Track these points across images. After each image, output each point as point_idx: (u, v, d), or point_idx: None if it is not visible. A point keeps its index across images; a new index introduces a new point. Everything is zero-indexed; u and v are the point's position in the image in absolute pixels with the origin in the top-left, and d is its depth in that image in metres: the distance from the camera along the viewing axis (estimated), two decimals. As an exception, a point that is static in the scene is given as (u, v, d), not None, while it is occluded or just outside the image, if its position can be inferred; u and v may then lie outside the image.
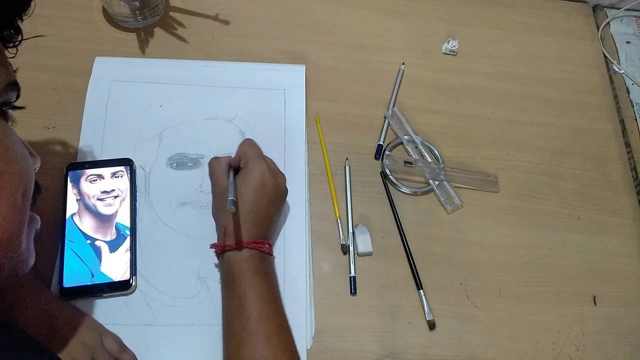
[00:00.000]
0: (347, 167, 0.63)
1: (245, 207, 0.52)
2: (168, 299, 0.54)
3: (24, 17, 0.36)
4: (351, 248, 0.60)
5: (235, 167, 0.56)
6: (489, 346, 0.57)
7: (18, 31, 0.37)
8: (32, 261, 0.39)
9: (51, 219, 0.56)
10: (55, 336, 0.48)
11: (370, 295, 0.58)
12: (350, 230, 0.61)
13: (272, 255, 0.54)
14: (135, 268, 0.55)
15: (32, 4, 0.36)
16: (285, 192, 0.57)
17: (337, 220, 0.61)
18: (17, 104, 0.39)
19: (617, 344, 0.59)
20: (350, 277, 0.58)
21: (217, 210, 0.54)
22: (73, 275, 0.53)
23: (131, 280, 0.54)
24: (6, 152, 0.35)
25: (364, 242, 0.60)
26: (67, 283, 0.52)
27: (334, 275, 0.59)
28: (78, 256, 0.54)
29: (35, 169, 0.40)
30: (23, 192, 0.36)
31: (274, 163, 0.56)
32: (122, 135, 0.62)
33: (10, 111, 0.38)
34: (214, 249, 0.53)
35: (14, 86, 0.38)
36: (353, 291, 0.58)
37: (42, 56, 0.66)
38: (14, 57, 0.38)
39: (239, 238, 0.51)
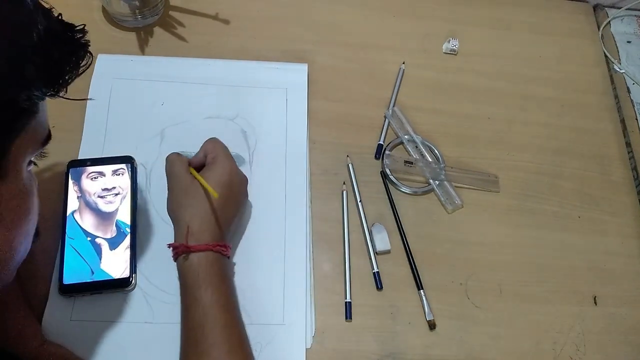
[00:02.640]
0: (350, 166, 0.62)
1: (211, 204, 0.51)
2: (167, 296, 0.54)
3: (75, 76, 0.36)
4: (369, 246, 0.60)
5: (196, 166, 0.54)
6: (490, 346, 0.57)
7: (65, 87, 0.36)
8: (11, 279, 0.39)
9: (52, 216, 0.56)
10: None
11: (370, 295, 0.58)
12: (367, 229, 0.61)
13: (226, 255, 0.52)
14: (135, 266, 0.55)
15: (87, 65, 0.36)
16: (246, 193, 0.57)
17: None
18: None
19: (618, 344, 0.59)
20: (375, 272, 0.58)
21: (176, 206, 0.52)
22: (73, 272, 0.53)
23: (131, 278, 0.54)
24: (29, 216, 0.37)
25: (382, 240, 0.60)
26: (67, 280, 0.52)
27: (334, 275, 0.59)
28: (78, 253, 0.54)
29: None
30: (31, 231, 0.39)
31: (235, 161, 0.56)
32: (123, 133, 0.62)
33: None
34: (171, 249, 0.50)
35: (49, 138, 0.38)
36: (379, 286, 0.57)
37: (42, 55, 0.66)
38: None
39: (205, 238, 0.49)
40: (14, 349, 0.47)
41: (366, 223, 0.61)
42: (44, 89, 0.33)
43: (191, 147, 0.62)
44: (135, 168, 0.59)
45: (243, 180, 0.55)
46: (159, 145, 0.62)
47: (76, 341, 0.51)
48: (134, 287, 0.54)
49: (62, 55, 0.34)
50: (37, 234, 0.40)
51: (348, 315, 0.56)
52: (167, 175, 0.54)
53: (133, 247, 0.55)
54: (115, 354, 0.52)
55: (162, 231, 0.57)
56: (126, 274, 0.54)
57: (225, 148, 0.55)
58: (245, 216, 0.59)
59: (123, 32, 0.70)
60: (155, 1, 0.68)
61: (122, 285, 0.53)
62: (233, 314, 0.49)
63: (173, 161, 0.54)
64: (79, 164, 0.58)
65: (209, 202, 0.51)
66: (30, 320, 0.50)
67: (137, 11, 0.68)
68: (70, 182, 0.57)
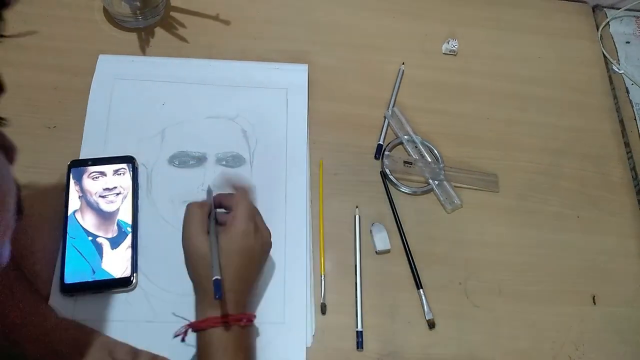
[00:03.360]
0: (357, 217, 0.62)
1: (229, 274, 0.47)
2: (169, 296, 0.55)
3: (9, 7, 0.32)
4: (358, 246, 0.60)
5: (221, 221, 0.51)
6: (489, 345, 0.58)
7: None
8: (4, 259, 0.35)
9: (53, 216, 0.56)
10: (57, 356, 0.48)
11: (370, 294, 0.58)
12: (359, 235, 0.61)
13: (251, 325, 0.50)
14: (137, 265, 0.55)
15: None
16: (269, 249, 0.53)
17: (321, 276, 0.58)
18: (16, 115, 0.36)
19: (616, 344, 0.59)
20: (357, 331, 0.56)
21: (195, 274, 0.49)
22: (74, 272, 0.53)
23: (132, 277, 0.54)
24: None
25: (382, 240, 0.60)
26: (68, 279, 0.53)
27: (334, 274, 0.59)
28: (79, 253, 0.54)
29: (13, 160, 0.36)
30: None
31: (261, 216, 0.53)
32: (124, 133, 0.62)
33: None
34: (189, 329, 0.48)
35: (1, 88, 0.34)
36: (359, 346, 0.55)
37: (43, 56, 0.66)
38: None
39: (224, 311, 0.47)
40: (29, 329, 0.48)
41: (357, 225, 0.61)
42: None
43: (192, 147, 0.62)
44: (136, 168, 0.60)
45: (264, 242, 0.52)
46: (159, 145, 0.62)
47: (78, 340, 0.51)
48: (135, 287, 0.54)
49: None
50: (19, 210, 0.36)
51: (359, 345, 0.55)
52: (182, 228, 0.51)
53: (134, 246, 0.55)
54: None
55: (163, 231, 0.57)
56: (127, 273, 0.54)
57: (249, 205, 0.51)
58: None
59: (124, 32, 0.70)
60: (156, 2, 0.68)
61: (123, 284, 0.54)
62: None
63: (191, 217, 0.50)
64: (80, 164, 0.58)
65: (227, 271, 0.47)
66: (40, 301, 0.51)
67: (138, 12, 0.68)
68: (72, 181, 0.57)
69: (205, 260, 0.48)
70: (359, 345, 0.55)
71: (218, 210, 0.53)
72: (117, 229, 0.56)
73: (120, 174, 0.58)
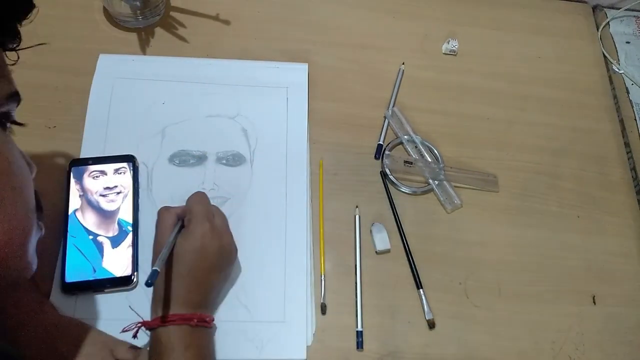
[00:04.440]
0: (357, 217, 0.62)
1: (180, 270, 0.48)
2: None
3: (23, 23, 0.34)
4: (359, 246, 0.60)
5: (182, 220, 0.52)
6: (489, 345, 0.58)
7: (18, 36, 0.34)
8: (35, 267, 0.38)
9: (54, 215, 0.56)
10: (58, 354, 0.48)
11: (370, 294, 0.58)
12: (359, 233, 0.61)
13: (206, 326, 0.49)
14: (137, 264, 0.55)
15: (35, 10, 0.34)
16: (232, 253, 0.53)
17: (321, 276, 0.58)
18: (17, 116, 0.37)
19: (616, 344, 0.59)
20: (357, 331, 0.56)
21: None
22: (75, 271, 0.53)
23: (133, 276, 0.54)
24: (8, 166, 0.34)
25: (381, 240, 0.60)
26: (69, 278, 0.53)
27: (335, 274, 0.59)
28: (80, 252, 0.54)
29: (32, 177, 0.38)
30: (24, 204, 0.35)
31: (224, 219, 0.53)
32: (124, 132, 0.62)
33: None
34: (141, 327, 0.48)
35: (15, 97, 0.36)
36: (359, 346, 0.55)
37: (43, 56, 0.66)
38: (14, 63, 0.36)
39: (167, 310, 0.47)
40: (30, 328, 0.48)
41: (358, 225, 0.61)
42: None
43: (192, 146, 0.62)
44: (137, 167, 0.60)
45: (223, 245, 0.51)
46: (160, 144, 0.62)
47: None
48: (136, 285, 0.54)
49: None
50: (40, 208, 0.37)
51: (359, 345, 0.55)
52: (156, 231, 0.51)
53: (135, 245, 0.55)
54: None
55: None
56: (128, 272, 0.54)
57: (202, 206, 0.52)
58: (246, 215, 0.59)
59: (124, 32, 0.70)
60: (156, 2, 0.68)
61: (124, 283, 0.54)
62: None
63: (159, 217, 0.52)
64: (81, 163, 0.58)
65: (179, 267, 0.48)
66: (42, 299, 0.51)
67: (138, 12, 0.68)
68: (72, 180, 0.57)
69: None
70: (359, 345, 0.55)
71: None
72: (118, 227, 0.56)
73: (120, 173, 0.58)
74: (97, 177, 0.58)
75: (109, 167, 0.58)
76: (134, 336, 0.49)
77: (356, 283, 0.58)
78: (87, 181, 0.57)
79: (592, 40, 0.80)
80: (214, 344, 0.51)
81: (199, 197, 0.53)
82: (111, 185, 0.58)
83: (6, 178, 0.33)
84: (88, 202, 0.56)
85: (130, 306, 0.53)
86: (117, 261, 0.54)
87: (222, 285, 0.54)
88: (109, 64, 0.66)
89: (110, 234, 0.55)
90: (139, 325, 0.48)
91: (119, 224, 0.56)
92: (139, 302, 0.54)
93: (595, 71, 0.78)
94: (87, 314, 0.53)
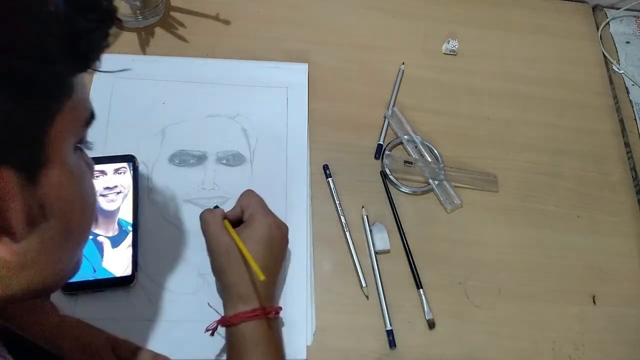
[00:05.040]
0: (364, 216, 0.62)
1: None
2: (169, 294, 0.55)
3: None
4: (370, 246, 0.60)
5: (232, 220, 0.53)
6: (489, 345, 0.58)
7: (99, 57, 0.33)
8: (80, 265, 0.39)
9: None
10: (60, 353, 0.48)
11: (370, 294, 0.58)
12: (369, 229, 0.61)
13: (278, 317, 0.51)
14: (137, 264, 0.55)
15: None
16: (287, 243, 0.55)
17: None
18: None
19: (616, 344, 0.59)
20: (387, 330, 0.56)
21: (220, 272, 0.51)
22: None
23: (133, 276, 0.54)
24: (84, 203, 0.34)
25: (381, 240, 0.60)
26: (68, 279, 0.53)
27: (335, 274, 0.59)
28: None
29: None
30: (90, 228, 0.37)
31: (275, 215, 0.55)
32: (125, 132, 0.62)
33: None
34: (219, 325, 0.49)
35: (93, 117, 0.34)
36: (393, 344, 0.56)
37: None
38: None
39: (253, 303, 0.48)
40: (32, 327, 0.48)
41: (368, 224, 0.61)
42: (72, 64, 0.29)
43: (192, 146, 0.62)
44: (137, 167, 0.60)
45: (284, 234, 0.53)
46: (160, 144, 0.62)
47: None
48: (136, 285, 0.54)
49: (88, 25, 0.29)
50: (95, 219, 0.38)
51: (392, 343, 0.55)
52: (204, 236, 0.53)
53: (135, 245, 0.55)
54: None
55: (164, 229, 0.58)
56: (128, 272, 0.54)
57: (262, 202, 0.54)
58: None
59: (124, 32, 0.70)
60: (156, 2, 0.68)
61: (124, 283, 0.54)
62: None
63: (207, 220, 0.52)
64: (81, 163, 0.58)
65: (260, 261, 0.48)
66: (43, 298, 0.51)
67: (138, 12, 0.68)
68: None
69: (229, 254, 0.49)
70: (392, 344, 0.55)
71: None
72: (118, 227, 0.56)
73: (120, 172, 0.58)
74: (97, 177, 0.58)
75: (109, 167, 0.58)
76: (212, 334, 0.50)
77: (376, 283, 0.58)
78: None
79: (592, 40, 0.80)
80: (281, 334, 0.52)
81: (253, 193, 0.55)
82: (111, 185, 0.57)
83: (82, 215, 0.34)
84: None
85: (209, 303, 0.53)
86: (117, 261, 0.54)
87: (280, 274, 0.55)
88: (109, 64, 0.65)
89: (110, 234, 0.55)
90: (218, 322, 0.49)
91: (119, 223, 0.56)
92: (140, 303, 0.54)
93: (595, 71, 0.77)
94: (88, 314, 0.52)
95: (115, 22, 0.33)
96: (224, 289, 0.51)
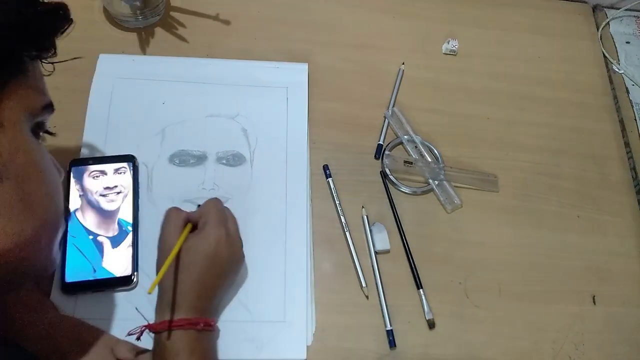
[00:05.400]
0: (364, 216, 0.62)
1: (191, 275, 0.48)
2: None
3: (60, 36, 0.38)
4: (370, 246, 0.60)
5: (194, 222, 0.52)
6: (489, 345, 0.58)
7: (54, 49, 0.38)
8: (57, 261, 0.40)
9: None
10: (59, 353, 0.48)
11: (370, 294, 0.58)
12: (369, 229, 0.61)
13: (210, 330, 0.49)
14: (137, 264, 0.55)
15: (72, 25, 0.38)
16: (240, 260, 0.54)
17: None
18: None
19: (616, 344, 0.59)
20: (387, 330, 0.56)
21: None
22: (75, 271, 0.53)
23: (133, 276, 0.54)
24: (41, 174, 0.37)
25: (381, 240, 0.60)
26: (69, 278, 0.53)
27: (334, 274, 0.59)
28: (80, 251, 0.54)
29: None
30: (54, 207, 0.38)
31: (236, 226, 0.53)
32: (125, 132, 0.62)
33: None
34: (145, 330, 0.48)
35: (49, 108, 0.39)
36: (393, 344, 0.56)
37: (44, 55, 0.66)
38: (49, 74, 0.39)
39: (174, 315, 0.47)
40: (31, 327, 0.48)
41: (368, 224, 0.61)
42: (21, 45, 0.35)
43: (192, 146, 0.62)
44: (137, 167, 0.60)
45: (235, 251, 0.52)
46: (160, 144, 0.62)
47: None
48: (136, 286, 0.54)
49: (37, 16, 0.35)
50: (67, 210, 0.40)
51: (392, 343, 0.55)
52: (161, 233, 0.51)
53: (135, 245, 0.55)
54: (116, 352, 0.52)
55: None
56: (128, 272, 0.54)
57: (218, 212, 0.52)
58: (246, 215, 0.59)
59: (124, 32, 0.70)
60: (156, 2, 0.68)
61: (124, 283, 0.54)
62: None
63: (167, 218, 0.52)
64: (81, 163, 0.58)
65: (189, 272, 0.48)
66: (42, 298, 0.51)
67: (138, 12, 0.68)
68: (72, 180, 0.57)
69: (167, 250, 0.49)
70: (392, 343, 0.55)
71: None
72: (118, 227, 0.56)
73: (120, 172, 0.58)
74: (97, 177, 0.58)
75: (109, 167, 0.58)
76: (138, 338, 0.49)
77: (377, 283, 0.58)
78: (87, 181, 0.57)
79: (592, 40, 0.80)
80: (216, 347, 0.51)
81: (215, 202, 0.53)
82: (111, 185, 0.57)
83: (40, 185, 0.36)
84: (88, 202, 0.56)
85: (136, 308, 0.53)
86: (117, 261, 0.54)
87: (227, 291, 0.54)
88: (109, 64, 0.66)
89: (110, 234, 0.55)
90: (144, 328, 0.48)
91: (119, 223, 0.56)
92: (139, 302, 0.54)
93: (595, 71, 0.78)
94: (87, 314, 0.53)
95: (66, 16, 0.38)
96: (158, 292, 0.49)
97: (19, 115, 0.35)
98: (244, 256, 0.54)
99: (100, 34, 0.69)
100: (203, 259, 0.49)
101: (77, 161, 0.58)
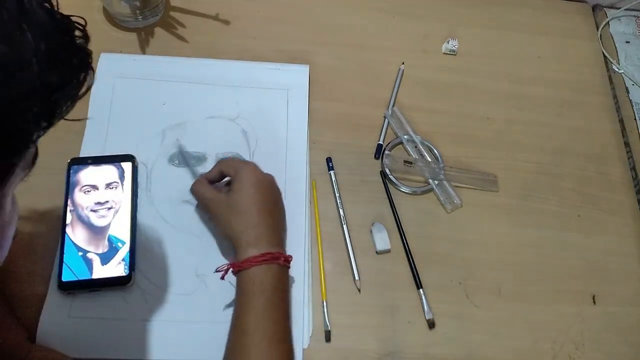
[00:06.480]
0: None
1: (254, 213, 0.51)
2: (166, 295, 0.55)
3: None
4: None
5: (211, 181, 0.56)
6: (489, 345, 0.57)
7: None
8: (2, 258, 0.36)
9: (52, 213, 0.56)
10: None
11: (370, 294, 0.58)
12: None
13: (288, 266, 0.52)
14: (134, 264, 0.55)
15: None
16: (279, 190, 0.57)
17: (323, 302, 0.57)
18: None
19: (616, 343, 0.59)
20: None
21: (227, 225, 0.52)
22: (72, 269, 0.53)
23: (130, 276, 0.54)
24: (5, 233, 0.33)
25: (382, 240, 0.60)
26: (65, 277, 0.53)
27: (334, 274, 0.59)
28: (78, 250, 0.54)
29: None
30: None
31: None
32: (125, 132, 0.62)
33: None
34: (230, 269, 0.50)
35: (37, 157, 0.34)
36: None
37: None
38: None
39: (262, 248, 0.49)
40: None
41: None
42: (43, 128, 0.30)
43: (192, 147, 0.62)
44: (136, 167, 0.60)
45: (271, 178, 0.56)
46: (160, 145, 0.62)
47: (74, 338, 0.51)
48: (133, 285, 0.54)
49: (61, 96, 0.30)
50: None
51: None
52: (203, 205, 0.56)
53: (133, 245, 0.55)
54: (113, 352, 0.52)
55: (162, 230, 0.58)
56: (125, 271, 0.54)
57: (233, 159, 0.58)
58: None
59: (124, 32, 0.70)
60: (156, 2, 0.68)
61: (121, 283, 0.53)
62: (282, 326, 0.49)
63: (198, 189, 0.56)
64: (80, 162, 0.58)
65: (250, 207, 0.51)
66: (13, 328, 0.49)
67: (137, 12, 0.68)
68: (72, 180, 0.57)
69: (230, 207, 0.52)
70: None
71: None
72: (108, 244, 0.55)
73: (112, 187, 0.57)
74: (88, 191, 0.56)
75: (101, 182, 0.57)
76: (223, 277, 0.51)
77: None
78: (78, 195, 0.56)
79: (591, 40, 0.80)
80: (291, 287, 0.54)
81: (227, 159, 0.59)
82: (102, 200, 0.56)
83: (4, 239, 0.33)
84: (78, 217, 0.55)
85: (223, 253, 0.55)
86: (113, 263, 0.54)
87: (284, 221, 0.57)
88: (110, 63, 0.66)
89: (100, 251, 0.54)
90: (228, 266, 0.50)
91: (109, 240, 0.55)
92: (136, 302, 0.54)
93: (595, 71, 0.77)
94: (84, 313, 0.53)
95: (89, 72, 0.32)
96: (233, 241, 0.52)
97: (11, 192, 0.32)
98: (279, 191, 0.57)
99: (100, 33, 0.69)
100: (255, 188, 0.52)
101: (76, 160, 0.58)
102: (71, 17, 0.32)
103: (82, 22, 0.32)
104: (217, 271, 0.51)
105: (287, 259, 0.51)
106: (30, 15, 0.26)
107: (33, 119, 0.28)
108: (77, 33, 0.32)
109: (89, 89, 0.33)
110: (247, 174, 0.53)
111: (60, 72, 0.29)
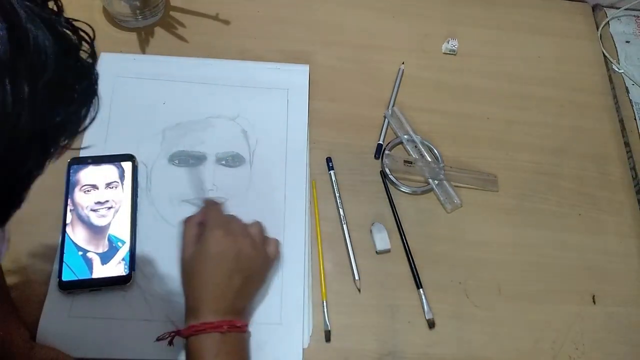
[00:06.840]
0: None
1: (201, 279, 0.49)
2: (166, 294, 0.55)
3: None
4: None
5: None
6: (489, 345, 0.57)
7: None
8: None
9: (52, 212, 0.56)
10: None
11: (370, 294, 0.58)
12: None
13: (238, 331, 0.49)
14: (134, 263, 0.55)
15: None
16: (254, 258, 0.52)
17: (323, 302, 0.57)
18: None
19: (616, 343, 0.59)
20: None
21: (183, 281, 0.52)
22: (72, 269, 0.53)
23: (130, 275, 0.54)
24: None
25: (382, 240, 0.60)
26: (65, 276, 0.53)
27: (334, 274, 0.59)
28: (79, 250, 0.54)
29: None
30: None
31: (241, 225, 0.53)
32: (125, 132, 0.62)
33: None
34: (174, 335, 0.49)
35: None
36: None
37: (44, 55, 0.66)
38: None
39: (197, 319, 0.48)
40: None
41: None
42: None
43: (192, 147, 0.62)
44: (136, 166, 0.60)
45: (239, 247, 0.51)
46: (160, 144, 0.62)
47: (74, 337, 0.51)
48: (133, 285, 0.54)
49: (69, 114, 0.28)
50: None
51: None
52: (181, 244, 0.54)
53: (133, 244, 0.55)
54: (113, 351, 0.52)
55: (162, 229, 0.57)
56: (125, 271, 0.54)
57: (214, 214, 0.53)
58: (245, 216, 0.59)
59: (124, 32, 0.70)
60: (156, 1, 0.68)
61: (121, 282, 0.54)
62: None
63: (184, 229, 0.54)
64: (80, 162, 0.58)
65: (200, 278, 0.49)
66: (16, 326, 0.49)
67: (137, 11, 0.68)
68: (72, 179, 0.57)
69: (187, 257, 0.51)
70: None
71: None
72: (108, 244, 0.55)
73: (112, 187, 0.57)
74: (88, 191, 0.56)
75: (101, 182, 0.57)
76: (170, 343, 0.50)
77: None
78: (78, 195, 0.56)
79: (591, 40, 0.80)
80: (248, 349, 0.51)
81: (210, 206, 0.55)
82: (102, 200, 0.56)
83: None
84: (78, 217, 0.55)
85: (167, 315, 0.53)
86: (113, 262, 0.54)
87: (252, 289, 0.54)
88: (110, 63, 0.66)
89: (100, 250, 0.54)
90: (174, 333, 0.50)
91: (109, 240, 0.55)
92: (136, 302, 0.54)
93: (595, 71, 0.77)
94: (84, 313, 0.53)
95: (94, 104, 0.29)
96: (185, 302, 0.51)
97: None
98: (268, 255, 0.54)
99: (100, 33, 0.68)
100: (207, 261, 0.50)
101: (76, 160, 0.58)
102: (79, 28, 0.29)
103: (90, 31, 0.29)
104: (159, 339, 0.50)
105: (233, 325, 0.48)
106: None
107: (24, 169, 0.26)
108: (83, 47, 0.29)
109: (92, 120, 0.30)
110: (211, 240, 0.50)
111: (56, 111, 0.27)
